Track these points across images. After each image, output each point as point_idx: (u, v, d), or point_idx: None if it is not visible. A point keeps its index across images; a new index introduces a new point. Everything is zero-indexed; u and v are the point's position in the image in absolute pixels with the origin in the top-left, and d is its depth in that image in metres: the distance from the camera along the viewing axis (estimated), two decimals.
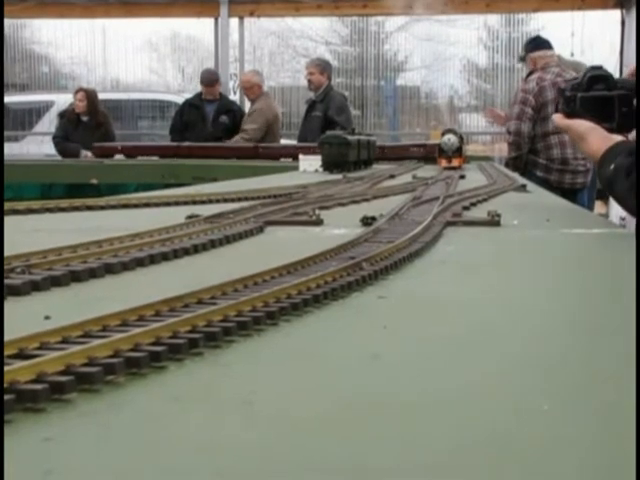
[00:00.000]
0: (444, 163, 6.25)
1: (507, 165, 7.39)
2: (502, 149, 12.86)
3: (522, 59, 7.83)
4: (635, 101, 2.63)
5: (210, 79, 10.21)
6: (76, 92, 10.39)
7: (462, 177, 4.90)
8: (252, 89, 10.08)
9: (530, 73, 7.35)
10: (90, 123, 10.16)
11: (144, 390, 0.97)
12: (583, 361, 1.14)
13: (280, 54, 13.97)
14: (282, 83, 14.12)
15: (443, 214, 2.70)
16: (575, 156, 7.02)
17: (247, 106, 11.46)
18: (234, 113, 10.19)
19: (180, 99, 12.12)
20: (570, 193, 7.03)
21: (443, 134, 6.44)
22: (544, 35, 8.64)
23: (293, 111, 13.07)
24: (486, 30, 13.30)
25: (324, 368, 1.09)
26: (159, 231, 2.12)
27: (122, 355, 1.02)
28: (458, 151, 6.28)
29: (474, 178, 5.02)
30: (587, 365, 1.12)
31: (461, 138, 6.44)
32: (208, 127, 9.88)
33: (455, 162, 6.24)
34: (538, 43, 7.58)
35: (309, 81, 9.52)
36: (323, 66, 9.68)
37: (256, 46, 13.27)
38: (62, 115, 10.66)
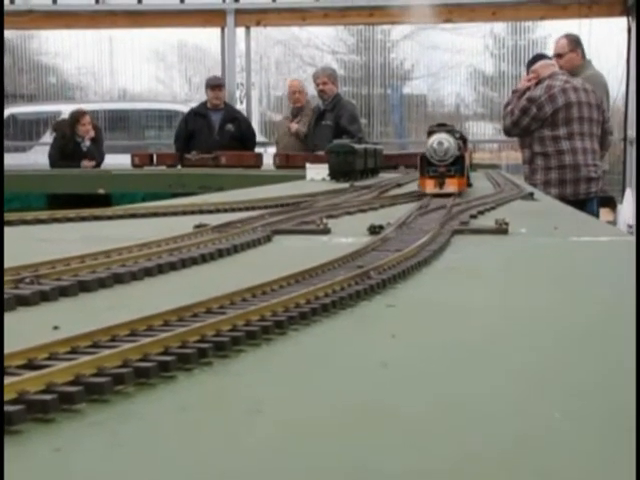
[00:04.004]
0: (430, 186, 3.78)
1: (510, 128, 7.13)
2: (509, 157, 12.85)
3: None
4: None
5: (216, 82, 10.23)
6: (81, 115, 10.27)
7: (469, 185, 4.87)
8: (302, 94, 10.06)
9: (538, 83, 7.31)
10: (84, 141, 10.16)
11: (153, 400, 0.97)
12: (592, 367, 1.14)
13: (287, 63, 13.98)
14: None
15: (450, 222, 2.69)
16: (586, 162, 6.98)
17: (254, 116, 11.48)
18: (239, 122, 10.20)
19: (187, 109, 12.14)
20: (584, 203, 6.97)
21: (430, 134, 3.95)
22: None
23: None
24: (492, 38, 13.30)
25: (333, 377, 1.09)
26: (167, 241, 2.13)
27: (131, 365, 1.02)
28: (457, 164, 3.83)
29: (481, 186, 5.02)
30: (596, 371, 1.11)
31: (462, 140, 4.07)
32: (214, 135, 9.89)
33: (450, 185, 3.78)
34: (537, 57, 7.62)
35: (322, 91, 9.48)
36: (332, 74, 9.68)
37: (263, 55, 13.29)
38: (56, 130, 10.55)
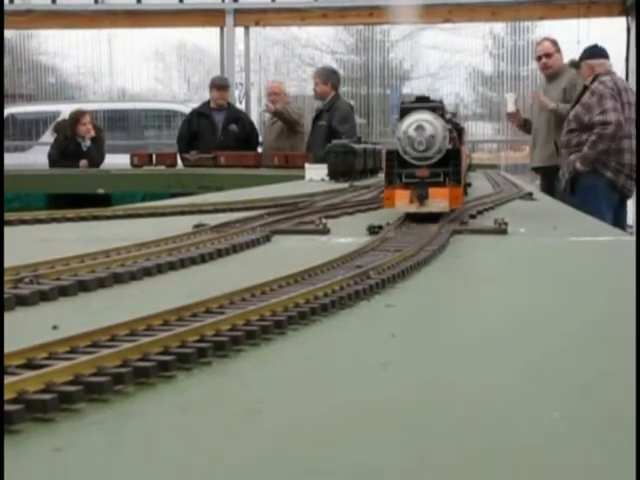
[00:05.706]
0: (403, 201, 2.53)
1: (584, 159, 6.96)
2: (508, 157, 12.86)
3: (576, 66, 7.78)
4: None
5: (224, 83, 10.24)
6: (81, 115, 10.24)
7: (468, 185, 4.85)
8: (279, 95, 10.09)
9: (594, 80, 7.22)
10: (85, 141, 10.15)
11: (153, 400, 0.97)
12: (592, 367, 1.14)
13: (286, 63, 13.98)
14: (288, 92, 14.16)
15: (450, 223, 2.69)
16: (632, 162, 6.97)
17: (252, 116, 11.49)
18: (243, 121, 10.20)
19: (186, 108, 12.12)
20: (625, 199, 7.13)
21: (403, 114, 2.53)
22: None
23: None
24: (492, 38, 13.31)
25: (333, 377, 1.09)
26: (166, 240, 2.13)
27: (131, 365, 1.02)
28: (448, 164, 2.51)
29: (480, 186, 5.01)
30: (596, 371, 1.11)
31: (457, 128, 2.82)
32: (218, 136, 9.87)
33: (437, 199, 2.53)
34: (596, 51, 7.56)
35: (314, 91, 9.55)
36: (326, 75, 9.67)
37: (262, 55, 13.28)
38: (57, 131, 10.54)
